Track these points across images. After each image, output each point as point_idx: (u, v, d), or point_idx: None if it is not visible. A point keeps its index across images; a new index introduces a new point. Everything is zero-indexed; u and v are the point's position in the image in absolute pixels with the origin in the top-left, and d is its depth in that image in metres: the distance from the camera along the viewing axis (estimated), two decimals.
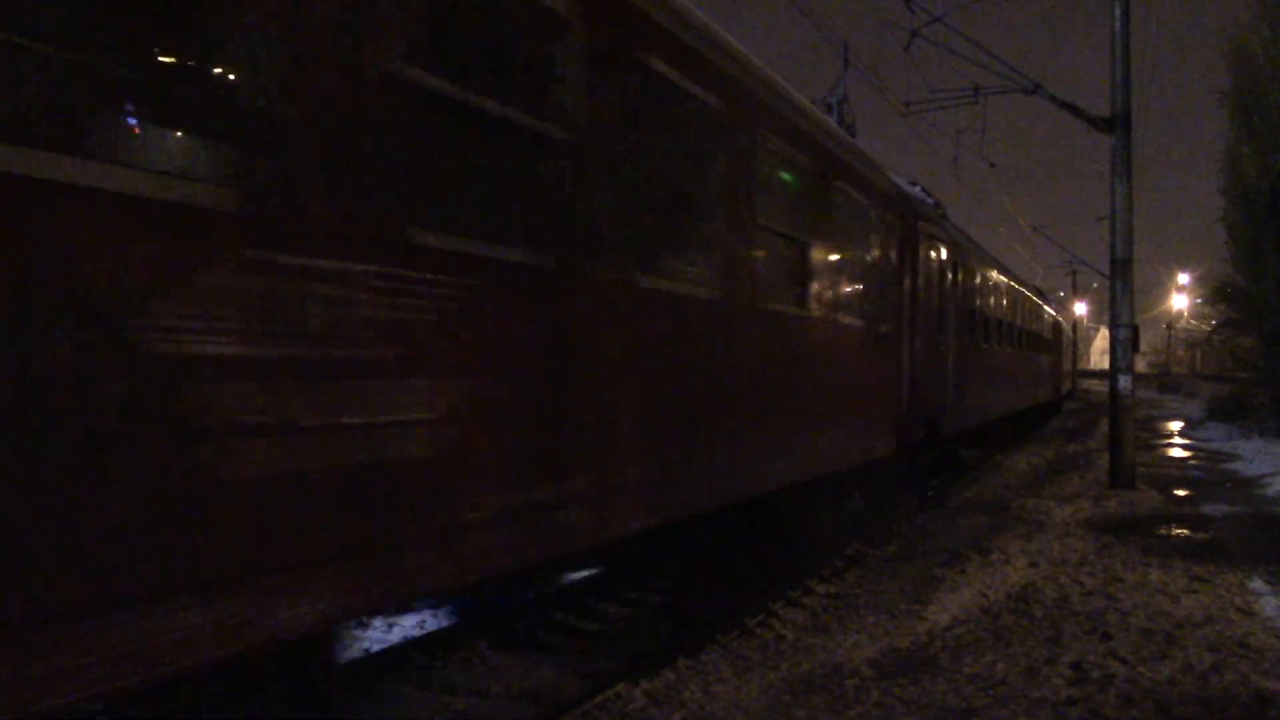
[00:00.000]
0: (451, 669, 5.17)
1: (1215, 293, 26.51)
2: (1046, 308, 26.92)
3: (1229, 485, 12.69)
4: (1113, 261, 11.92)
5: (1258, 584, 6.73)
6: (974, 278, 13.96)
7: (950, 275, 11.96)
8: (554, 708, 4.51)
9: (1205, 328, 42.25)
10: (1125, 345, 11.74)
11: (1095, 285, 61.12)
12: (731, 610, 6.17)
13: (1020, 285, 20.31)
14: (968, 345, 13.15)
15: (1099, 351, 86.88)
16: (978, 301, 14.16)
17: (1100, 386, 46.23)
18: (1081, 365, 62.47)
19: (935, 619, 5.92)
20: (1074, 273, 52.07)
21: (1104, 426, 17.37)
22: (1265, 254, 19.24)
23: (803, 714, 4.38)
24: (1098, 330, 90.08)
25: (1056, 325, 30.00)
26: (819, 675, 4.89)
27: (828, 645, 5.51)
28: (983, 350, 14.72)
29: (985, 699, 4.48)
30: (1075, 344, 52.04)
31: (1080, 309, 62.90)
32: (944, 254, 11.72)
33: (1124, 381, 11.66)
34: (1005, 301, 17.30)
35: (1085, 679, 4.70)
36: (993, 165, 20.30)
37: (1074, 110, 12.25)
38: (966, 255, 13.44)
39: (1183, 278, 62.17)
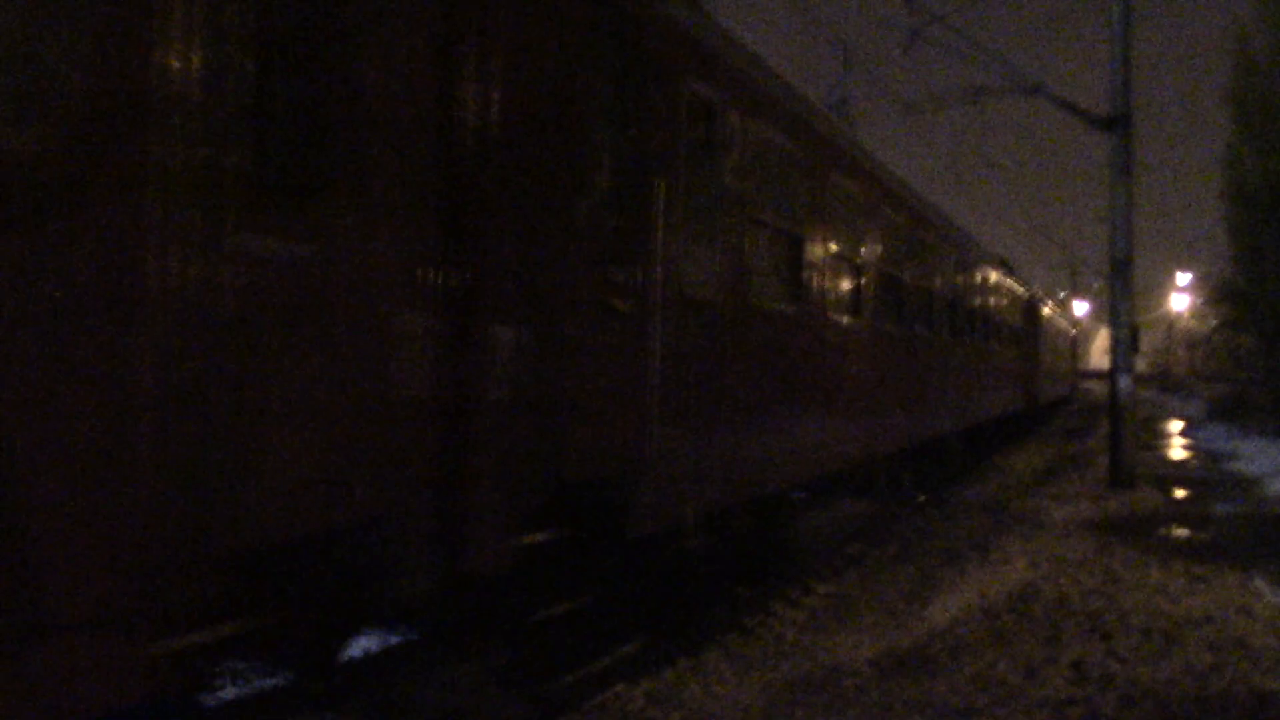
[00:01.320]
0: (452, 668, 5.16)
1: (1216, 293, 26.51)
2: (1013, 283, 19.00)
3: (1229, 485, 12.68)
4: (1113, 262, 11.92)
5: (1258, 584, 6.73)
6: (788, 169, 6.83)
7: (680, 135, 5.25)
8: (554, 708, 4.52)
9: (1205, 328, 42.20)
10: (1125, 345, 11.74)
11: (1095, 286, 61.11)
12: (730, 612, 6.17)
13: (954, 234, 13.06)
14: (751, 316, 6.17)
15: (1099, 351, 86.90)
16: (802, 222, 7.04)
17: (1100, 387, 46.22)
18: (1081, 365, 62.30)
19: (935, 619, 5.92)
20: (1074, 273, 52.10)
21: (1104, 426, 17.38)
22: (1265, 255, 19.25)
23: (803, 714, 4.39)
24: (1098, 330, 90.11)
25: (1031, 309, 21.51)
26: (819, 675, 4.90)
27: (828, 645, 5.52)
28: (821, 328, 7.46)
29: (985, 699, 4.48)
30: (1075, 340, 45.26)
31: (1080, 309, 62.85)
32: (661, 78, 5.03)
33: (1124, 382, 11.66)
34: (899, 245, 9.85)
35: (1085, 679, 4.71)
36: (993, 166, 20.28)
37: (1074, 110, 12.26)
38: (757, 108, 6.21)
39: (1183, 278, 62.13)
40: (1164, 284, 67.36)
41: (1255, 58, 19.23)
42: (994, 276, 16.25)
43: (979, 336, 14.68)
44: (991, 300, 15.98)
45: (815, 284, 7.32)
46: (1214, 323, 32.13)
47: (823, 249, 7.44)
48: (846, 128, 8.71)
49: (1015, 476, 14.04)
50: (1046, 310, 25.90)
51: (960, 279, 13.19)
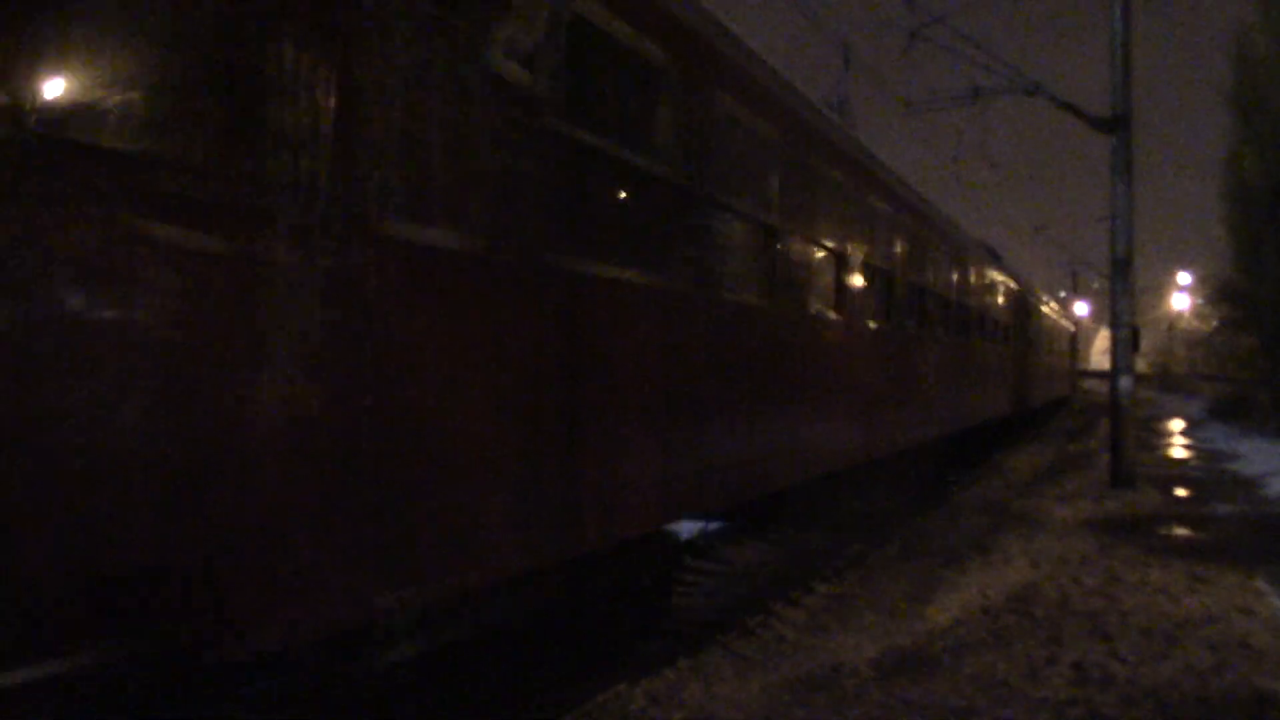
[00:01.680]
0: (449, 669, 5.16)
1: (1216, 293, 26.50)
2: (998, 273, 16.33)
3: (1229, 485, 12.68)
4: (1113, 262, 11.92)
5: (1259, 584, 6.72)
6: (641, 76, 4.81)
7: None
8: (555, 708, 4.51)
9: (1206, 328, 42.15)
10: (1126, 345, 11.74)
11: (1096, 286, 61.12)
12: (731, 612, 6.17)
13: (921, 207, 10.80)
14: (553, 280, 3.97)
15: (1100, 352, 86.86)
16: (664, 156, 4.91)
17: (1101, 387, 46.24)
18: (1082, 365, 62.25)
19: (936, 619, 5.92)
20: (1075, 273, 52.10)
21: (1104, 427, 17.37)
22: (1265, 255, 19.25)
23: (803, 714, 4.39)
24: (1098, 330, 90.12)
25: (1021, 302, 18.99)
26: (820, 675, 4.89)
27: (828, 645, 5.51)
28: (694, 308, 5.22)
29: (986, 699, 4.48)
30: (1074, 338, 41.23)
31: (1081, 309, 62.88)
32: None
33: (1124, 382, 11.66)
34: (835, 208, 7.61)
35: (1086, 679, 4.71)
36: (993, 166, 20.25)
37: (1074, 111, 12.25)
38: None
39: (1183, 278, 62.18)
40: (1165, 284, 67.40)
41: (1255, 58, 19.23)
42: (974, 263, 14.01)
43: (952, 331, 12.22)
44: (970, 290, 13.50)
45: (685, 246, 5.03)
46: (1215, 323, 32.12)
47: (699, 197, 5.14)
48: (751, 49, 6.10)
49: (1016, 476, 14.03)
50: (1040, 304, 23.11)
51: (929, 262, 10.90)
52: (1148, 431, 21.19)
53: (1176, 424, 24.62)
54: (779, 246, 6.27)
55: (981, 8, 14.50)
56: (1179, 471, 14.26)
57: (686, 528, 6.47)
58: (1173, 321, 64.65)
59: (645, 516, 4.72)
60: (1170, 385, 48.35)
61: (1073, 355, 36.65)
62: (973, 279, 13.86)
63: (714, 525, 6.41)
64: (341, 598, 2.93)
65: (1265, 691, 4.47)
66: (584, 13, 4.09)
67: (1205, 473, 14.14)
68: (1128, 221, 11.75)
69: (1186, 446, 18.66)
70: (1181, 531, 8.92)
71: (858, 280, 8.13)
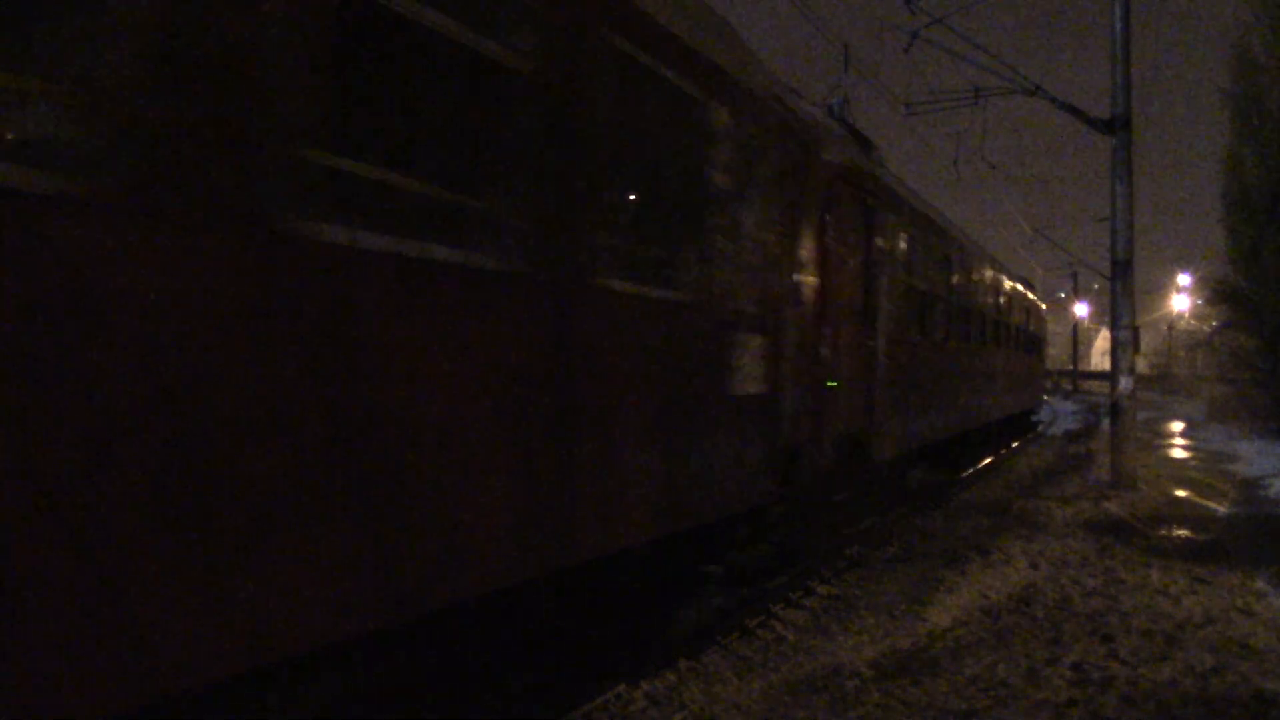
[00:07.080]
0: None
1: (1216, 294, 26.46)
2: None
3: (1230, 486, 12.67)
4: (1113, 263, 11.91)
5: (1259, 584, 6.72)
6: None
7: None
8: (555, 708, 4.51)
9: (1206, 329, 42.10)
10: (1126, 346, 11.73)
11: (1096, 287, 61.15)
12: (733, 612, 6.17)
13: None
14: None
15: (1100, 353, 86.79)
16: None
17: (1100, 388, 46.21)
18: (1082, 366, 62.16)
19: (936, 620, 5.92)
20: (1075, 274, 52.09)
21: (1104, 428, 17.36)
22: (1265, 255, 19.22)
23: (803, 715, 4.39)
24: (1099, 331, 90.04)
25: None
26: (820, 676, 4.89)
27: (828, 646, 5.51)
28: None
29: (986, 700, 4.47)
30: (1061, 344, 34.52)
31: (1081, 310, 62.90)
32: None
33: (1125, 383, 11.65)
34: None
35: (1086, 680, 4.70)
36: (993, 166, 20.28)
37: (1074, 112, 12.25)
38: None
39: (1183, 279, 62.18)
40: (1165, 285, 67.40)
41: (1255, 58, 19.22)
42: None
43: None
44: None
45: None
46: (1214, 323, 32.04)
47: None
48: None
49: (1016, 478, 14.03)
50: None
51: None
52: (1148, 432, 21.17)
53: (1177, 425, 24.62)
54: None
55: (981, 8, 14.51)
56: (1179, 472, 14.25)
57: None
58: (1173, 322, 64.66)
59: None
60: (1170, 386, 48.28)
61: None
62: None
63: None
64: None
65: (1265, 692, 4.46)
66: None
67: (1205, 473, 14.13)
68: (1127, 222, 11.74)
69: (1186, 447, 18.66)
70: (1181, 532, 8.91)
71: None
